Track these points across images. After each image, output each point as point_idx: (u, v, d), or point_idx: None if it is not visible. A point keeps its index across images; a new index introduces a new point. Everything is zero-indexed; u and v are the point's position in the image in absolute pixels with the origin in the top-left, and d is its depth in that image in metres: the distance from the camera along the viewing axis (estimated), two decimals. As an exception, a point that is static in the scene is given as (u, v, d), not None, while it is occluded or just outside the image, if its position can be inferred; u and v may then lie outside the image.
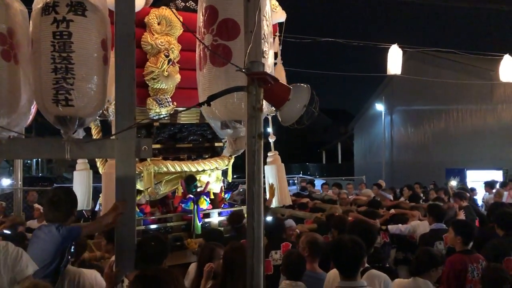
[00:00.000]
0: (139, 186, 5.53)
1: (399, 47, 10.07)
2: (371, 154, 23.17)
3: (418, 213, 6.26)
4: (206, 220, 5.61)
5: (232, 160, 6.10)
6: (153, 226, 5.34)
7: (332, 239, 5.00)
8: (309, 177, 19.34)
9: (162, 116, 5.09)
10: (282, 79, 5.64)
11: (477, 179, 12.28)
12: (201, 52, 3.48)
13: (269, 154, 5.86)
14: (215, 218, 5.70)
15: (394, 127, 21.80)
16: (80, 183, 5.86)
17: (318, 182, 12.95)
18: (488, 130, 15.77)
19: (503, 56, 11.09)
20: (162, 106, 5.11)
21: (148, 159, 5.28)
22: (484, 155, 15.22)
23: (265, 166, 5.58)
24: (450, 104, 17.72)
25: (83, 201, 5.72)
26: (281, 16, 5.70)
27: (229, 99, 3.19)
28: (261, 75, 1.93)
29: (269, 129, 6.02)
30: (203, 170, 5.88)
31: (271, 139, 5.88)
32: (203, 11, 3.49)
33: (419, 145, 19.86)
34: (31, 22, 3.30)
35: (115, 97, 3.36)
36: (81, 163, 5.93)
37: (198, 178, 5.83)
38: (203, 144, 6.08)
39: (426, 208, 6.10)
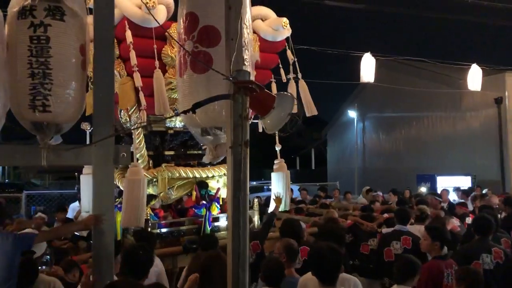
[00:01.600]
0: (152, 191, 5.79)
1: (372, 55, 10.25)
2: (344, 160, 23.43)
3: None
4: (215, 224, 5.81)
5: None
6: (167, 229, 5.56)
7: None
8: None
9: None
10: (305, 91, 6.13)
11: (447, 185, 12.55)
12: (182, 59, 3.47)
13: (275, 161, 6.03)
14: (223, 222, 5.86)
15: (366, 133, 22.13)
16: (87, 187, 5.80)
17: (294, 188, 13.02)
18: (458, 137, 16.16)
19: (471, 65, 11.43)
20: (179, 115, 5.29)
21: (163, 165, 5.62)
22: (454, 162, 15.58)
23: (272, 174, 5.86)
24: (420, 112, 18.11)
25: (89, 204, 5.81)
26: (288, 32, 6.03)
27: (210, 106, 3.18)
28: (247, 83, 1.94)
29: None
30: (212, 176, 6.11)
31: (277, 147, 6.05)
32: (184, 17, 3.49)
33: (390, 151, 20.19)
34: (6, 25, 3.21)
35: (94, 104, 3.32)
36: (88, 168, 5.98)
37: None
38: None
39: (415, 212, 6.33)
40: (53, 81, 3.00)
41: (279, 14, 6.20)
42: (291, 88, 6.16)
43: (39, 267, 3.94)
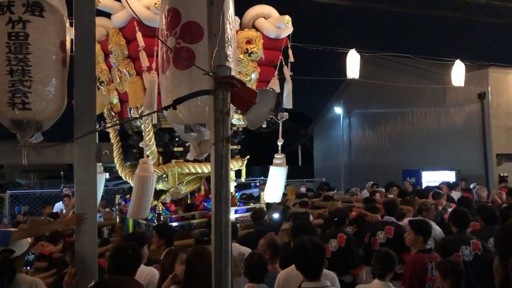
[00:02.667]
0: (163, 186, 5.97)
1: (357, 51, 10.30)
2: (330, 156, 23.55)
3: (412, 208, 6.46)
4: None
5: (246, 162, 6.62)
6: (178, 223, 5.91)
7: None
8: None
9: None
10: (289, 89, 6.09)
11: (432, 180, 12.70)
12: (164, 55, 3.43)
13: (276, 156, 6.00)
14: (232, 215, 5.90)
15: (352, 129, 22.25)
16: (99, 186, 6.02)
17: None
18: (442, 132, 16.33)
19: (454, 61, 11.55)
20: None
21: (173, 161, 5.78)
22: (438, 156, 15.75)
23: (271, 167, 5.85)
24: (405, 107, 18.26)
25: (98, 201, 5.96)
26: (290, 29, 6.15)
27: (193, 103, 3.16)
28: (228, 79, 1.92)
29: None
30: None
31: (279, 142, 6.06)
32: (166, 13, 3.44)
33: (376, 147, 20.34)
34: (-17, 22, 3.16)
35: (74, 100, 3.28)
36: (99, 166, 6.03)
37: None
38: None
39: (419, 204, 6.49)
40: (33, 78, 2.95)
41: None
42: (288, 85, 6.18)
43: (24, 267, 3.88)
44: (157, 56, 4.27)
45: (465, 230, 4.78)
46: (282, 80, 6.06)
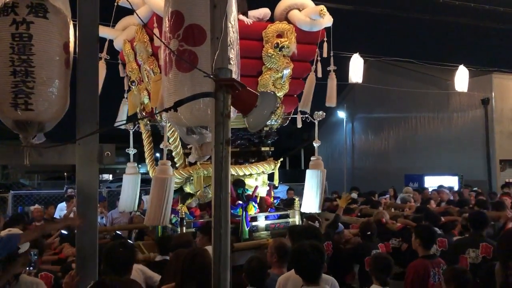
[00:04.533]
0: (189, 189, 5.79)
1: (361, 56, 10.28)
2: (333, 160, 23.52)
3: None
4: (253, 223, 5.67)
5: (278, 165, 6.25)
6: None
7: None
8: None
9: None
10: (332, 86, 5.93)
11: (435, 185, 12.66)
12: (167, 57, 3.44)
13: (312, 158, 5.84)
14: (262, 222, 5.75)
15: (355, 134, 22.24)
16: (129, 186, 5.94)
17: (283, 188, 13.01)
18: (445, 137, 16.31)
19: (458, 66, 11.53)
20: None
21: (198, 163, 5.40)
22: (441, 161, 15.72)
23: (308, 170, 5.64)
24: (409, 112, 18.25)
25: (130, 204, 5.92)
26: (329, 21, 5.79)
27: (195, 105, 3.16)
28: (229, 81, 1.93)
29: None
30: (250, 174, 5.99)
31: (316, 144, 5.90)
32: (169, 16, 3.45)
33: (379, 151, 20.32)
34: (-13, 23, 3.17)
35: (77, 101, 3.29)
36: (131, 167, 6.03)
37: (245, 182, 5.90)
38: (250, 149, 6.22)
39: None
40: (36, 79, 2.95)
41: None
42: (331, 81, 6.06)
43: (27, 268, 3.90)
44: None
45: (480, 232, 4.72)
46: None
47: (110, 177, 40.80)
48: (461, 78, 11.37)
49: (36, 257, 4.57)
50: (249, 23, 5.57)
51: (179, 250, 3.67)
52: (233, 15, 3.41)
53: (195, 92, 2.69)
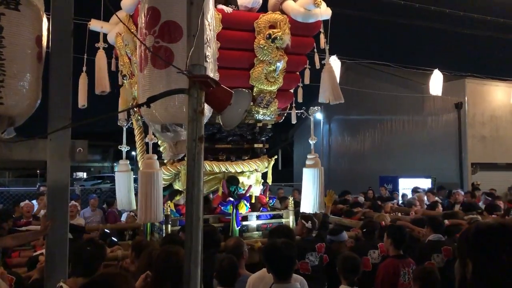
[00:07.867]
0: (177, 186, 5.57)
1: (338, 58, 10.37)
2: (309, 161, 23.64)
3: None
4: (244, 223, 5.47)
5: (272, 163, 6.02)
6: None
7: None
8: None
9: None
10: (332, 77, 5.57)
11: (408, 187, 12.88)
12: (142, 54, 3.40)
13: (308, 156, 5.54)
14: (253, 222, 5.56)
15: (332, 135, 22.42)
16: (122, 184, 5.75)
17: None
18: (419, 140, 16.58)
19: (433, 70, 11.77)
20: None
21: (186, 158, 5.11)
22: (415, 164, 15.99)
23: (304, 169, 5.39)
24: (384, 115, 18.50)
25: (126, 202, 5.71)
26: (325, 13, 5.52)
27: (170, 102, 3.14)
28: (202, 78, 1.92)
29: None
30: (242, 172, 5.77)
31: (312, 141, 5.70)
32: (145, 12, 3.42)
33: (355, 153, 20.53)
34: (-44, 13, 3.08)
35: (49, 95, 3.23)
36: (123, 165, 5.84)
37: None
38: (243, 145, 6.00)
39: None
40: (6, 72, 2.88)
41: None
42: (329, 73, 5.67)
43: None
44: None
45: (439, 236, 4.93)
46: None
47: (85, 175, 40.17)
48: (436, 82, 11.64)
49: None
50: (229, 12, 5.38)
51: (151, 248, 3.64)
52: (210, 13, 3.39)
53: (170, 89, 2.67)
